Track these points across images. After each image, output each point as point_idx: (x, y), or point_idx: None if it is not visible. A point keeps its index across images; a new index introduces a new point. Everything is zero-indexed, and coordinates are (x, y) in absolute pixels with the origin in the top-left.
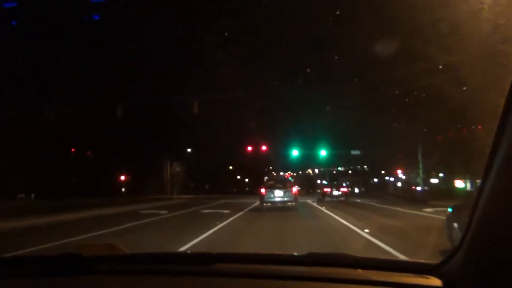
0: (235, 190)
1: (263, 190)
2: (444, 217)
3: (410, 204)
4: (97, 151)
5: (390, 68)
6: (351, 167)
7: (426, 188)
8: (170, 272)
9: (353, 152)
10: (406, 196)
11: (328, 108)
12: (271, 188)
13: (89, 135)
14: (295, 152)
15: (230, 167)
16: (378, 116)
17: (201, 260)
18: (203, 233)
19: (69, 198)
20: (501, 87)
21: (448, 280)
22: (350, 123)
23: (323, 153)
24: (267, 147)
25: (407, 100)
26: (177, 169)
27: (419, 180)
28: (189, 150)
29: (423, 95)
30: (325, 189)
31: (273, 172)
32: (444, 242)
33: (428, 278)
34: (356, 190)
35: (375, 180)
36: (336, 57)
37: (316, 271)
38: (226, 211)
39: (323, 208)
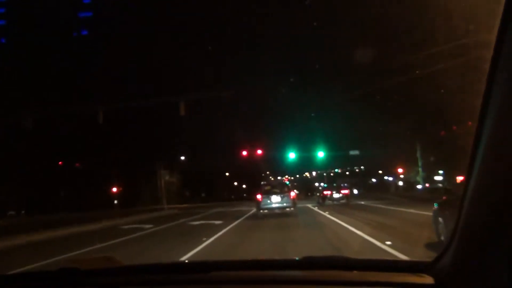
0: (232, 197)
1: (259, 196)
2: None
3: (420, 205)
4: (86, 162)
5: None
6: (348, 168)
7: (427, 185)
8: (168, 282)
9: (352, 152)
10: (410, 196)
11: (324, 109)
12: (267, 193)
13: (76, 146)
14: (291, 155)
15: (227, 174)
16: (375, 116)
17: (198, 269)
18: (183, 254)
19: (58, 213)
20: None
21: (440, 278)
22: (347, 123)
23: (320, 154)
24: (262, 151)
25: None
26: (167, 177)
27: (418, 178)
28: (182, 158)
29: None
30: (325, 192)
31: (270, 177)
32: None
33: (422, 276)
34: (355, 192)
35: (373, 180)
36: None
37: (312, 274)
38: (217, 222)
39: (326, 214)
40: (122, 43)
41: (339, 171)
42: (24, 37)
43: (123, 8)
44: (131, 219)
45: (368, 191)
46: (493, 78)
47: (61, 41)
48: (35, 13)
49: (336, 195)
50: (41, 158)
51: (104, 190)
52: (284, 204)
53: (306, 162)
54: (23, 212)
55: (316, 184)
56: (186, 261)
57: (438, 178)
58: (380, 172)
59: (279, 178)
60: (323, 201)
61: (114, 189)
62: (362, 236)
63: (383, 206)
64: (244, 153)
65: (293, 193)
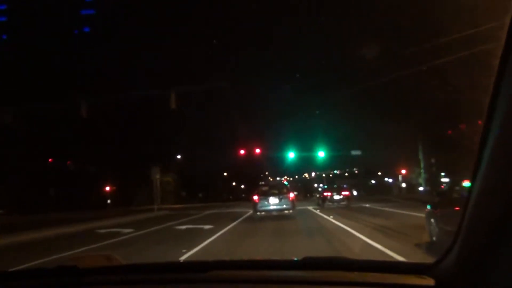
0: (230, 197)
1: (256, 198)
2: None
3: None
4: (77, 161)
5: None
6: (347, 169)
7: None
8: (167, 281)
9: (354, 152)
10: (416, 198)
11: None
12: (265, 194)
13: (66, 143)
14: (291, 155)
15: (225, 174)
16: (377, 115)
17: (197, 268)
18: None
19: (48, 213)
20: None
21: (441, 280)
22: (348, 123)
23: (321, 154)
24: (260, 150)
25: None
26: (157, 175)
27: (420, 180)
28: (179, 156)
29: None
30: (325, 193)
31: (269, 178)
32: None
33: (422, 278)
34: (355, 193)
35: (373, 181)
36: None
37: (312, 275)
38: (207, 227)
39: (330, 218)
40: (123, 39)
41: (338, 172)
42: (24, 34)
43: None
44: (115, 221)
45: (368, 193)
46: (503, 74)
47: (61, 37)
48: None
49: (336, 197)
50: (31, 156)
51: (97, 189)
52: (283, 206)
53: (306, 163)
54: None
55: (315, 185)
56: (185, 260)
57: (445, 180)
58: (379, 173)
59: (278, 178)
60: (323, 203)
61: (107, 188)
62: (373, 246)
63: (388, 209)
64: (242, 152)
65: (292, 194)
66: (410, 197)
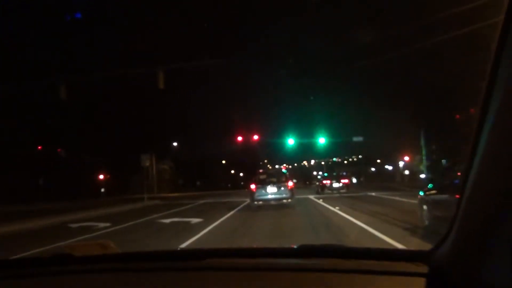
0: (229, 185)
1: (253, 186)
2: None
3: None
4: (69, 148)
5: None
6: (346, 157)
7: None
8: (163, 269)
9: (355, 139)
10: (420, 186)
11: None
12: (263, 183)
13: (55, 129)
14: (290, 141)
15: (223, 162)
16: (378, 102)
17: (193, 256)
18: None
19: (34, 203)
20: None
21: (436, 267)
22: (349, 109)
23: (321, 140)
24: (259, 136)
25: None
26: (147, 163)
27: (422, 167)
28: (175, 144)
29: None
30: (324, 181)
31: (268, 166)
32: None
33: (418, 265)
34: (354, 181)
35: (372, 169)
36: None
37: (308, 262)
38: (195, 221)
39: (336, 209)
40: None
41: (338, 160)
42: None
43: None
44: (94, 213)
45: (368, 180)
46: (499, 58)
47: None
48: None
49: (335, 185)
50: (19, 143)
51: (90, 177)
52: (281, 195)
53: (305, 150)
54: None
55: (315, 173)
56: (182, 248)
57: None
58: (379, 161)
59: (277, 166)
60: (322, 191)
61: (101, 177)
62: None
63: (397, 198)
64: (239, 138)
65: (291, 183)
66: (414, 185)
